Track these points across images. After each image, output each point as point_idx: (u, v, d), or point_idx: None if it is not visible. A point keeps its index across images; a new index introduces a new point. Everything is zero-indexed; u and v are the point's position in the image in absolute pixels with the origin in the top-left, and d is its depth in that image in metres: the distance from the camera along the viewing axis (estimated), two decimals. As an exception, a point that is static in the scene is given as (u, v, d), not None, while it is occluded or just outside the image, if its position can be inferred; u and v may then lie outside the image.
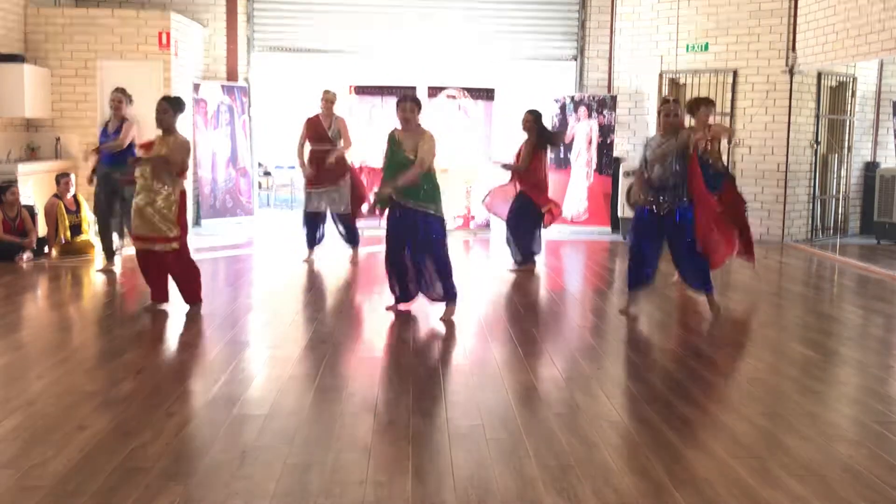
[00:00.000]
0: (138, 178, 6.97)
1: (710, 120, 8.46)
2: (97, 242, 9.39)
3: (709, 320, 7.19)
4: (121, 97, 8.83)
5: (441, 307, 7.10)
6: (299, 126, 9.85)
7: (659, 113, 7.14)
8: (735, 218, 8.30)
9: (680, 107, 7.14)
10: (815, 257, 11.28)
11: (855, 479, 3.94)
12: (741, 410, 4.95)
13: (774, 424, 4.69)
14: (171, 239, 6.93)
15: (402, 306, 7.19)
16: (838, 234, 12.83)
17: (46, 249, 9.86)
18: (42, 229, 10.08)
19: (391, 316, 7.13)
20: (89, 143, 8.96)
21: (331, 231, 10.09)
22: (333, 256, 10.16)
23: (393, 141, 6.99)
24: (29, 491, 3.64)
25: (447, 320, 6.98)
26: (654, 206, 7.01)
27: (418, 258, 6.95)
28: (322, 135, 9.66)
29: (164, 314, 7.09)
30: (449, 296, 7.07)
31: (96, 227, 9.09)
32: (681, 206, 6.98)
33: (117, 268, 8.96)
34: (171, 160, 6.90)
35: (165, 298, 7.14)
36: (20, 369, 5.51)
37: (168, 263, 7.01)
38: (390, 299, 7.27)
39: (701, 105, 8.37)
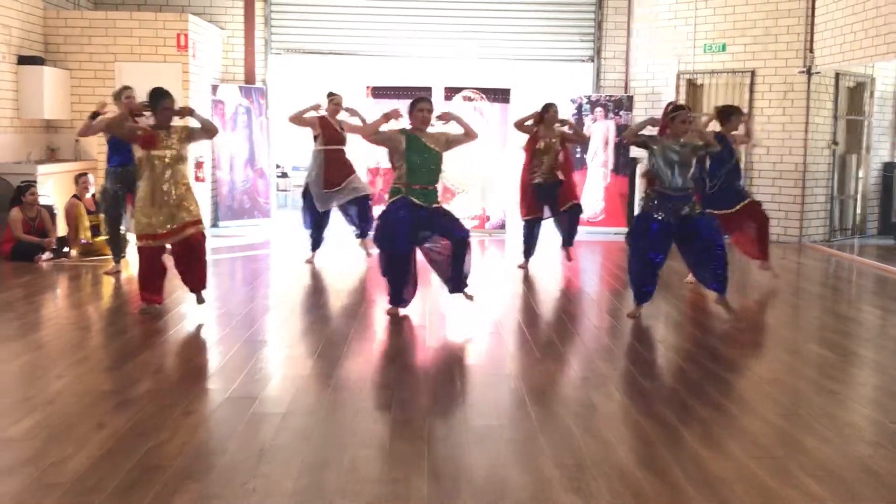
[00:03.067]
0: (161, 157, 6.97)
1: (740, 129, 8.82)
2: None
3: (725, 320, 7.17)
4: (133, 94, 8.76)
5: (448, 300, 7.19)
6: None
7: (673, 119, 7.05)
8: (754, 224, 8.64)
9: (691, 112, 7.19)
10: (833, 258, 11.23)
11: (873, 479, 3.93)
12: (758, 410, 4.93)
13: (792, 424, 4.67)
14: (197, 222, 7.07)
15: (400, 310, 7.16)
16: (856, 235, 12.77)
17: (66, 249, 9.93)
18: (61, 229, 10.16)
19: (407, 316, 7.14)
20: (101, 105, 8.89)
21: (333, 230, 10.17)
22: (348, 256, 10.19)
23: (412, 140, 6.97)
24: (48, 488, 3.67)
25: (471, 296, 7.29)
26: (666, 216, 6.99)
27: (454, 241, 7.05)
28: (335, 136, 9.69)
29: (183, 314, 7.14)
30: (462, 284, 7.27)
31: (105, 226, 9.09)
32: (698, 212, 7.05)
33: (123, 270, 8.99)
34: (196, 131, 7.10)
35: (162, 300, 7.25)
36: (40, 368, 5.55)
37: (198, 250, 7.09)
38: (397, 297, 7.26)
39: (732, 114, 8.61)
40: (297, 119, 9.63)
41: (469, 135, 7.19)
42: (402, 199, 6.92)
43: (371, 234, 9.82)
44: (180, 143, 7.01)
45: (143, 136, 6.90)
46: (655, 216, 6.98)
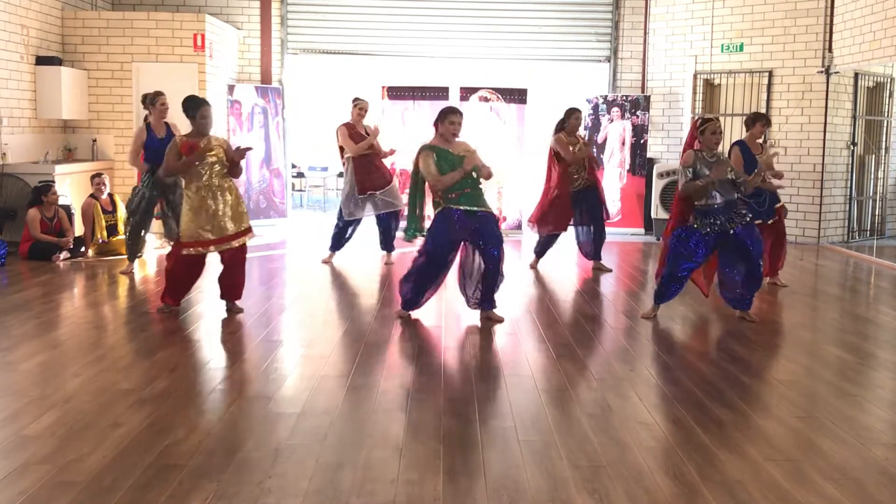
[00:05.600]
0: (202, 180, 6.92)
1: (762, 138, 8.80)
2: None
3: (742, 322, 7.13)
4: (165, 99, 8.81)
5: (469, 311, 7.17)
6: (335, 132, 9.78)
7: (703, 131, 6.99)
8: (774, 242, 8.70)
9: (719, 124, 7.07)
10: (852, 259, 11.16)
11: (892, 482, 3.90)
12: (775, 413, 4.90)
13: (809, 427, 4.64)
14: (249, 230, 7.09)
15: (411, 313, 7.14)
16: (875, 236, 12.68)
17: (83, 249, 9.98)
18: (78, 229, 10.22)
19: (423, 316, 7.14)
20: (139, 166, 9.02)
21: (359, 234, 10.15)
22: (365, 257, 10.20)
23: (439, 152, 6.80)
24: (65, 486, 3.69)
25: (499, 319, 7.04)
26: (710, 230, 6.94)
27: (487, 259, 6.84)
28: (362, 141, 9.65)
29: (199, 313, 7.16)
30: (493, 303, 7.09)
31: (128, 226, 9.08)
32: (744, 224, 6.96)
33: (139, 270, 9.05)
34: (231, 155, 7.01)
35: (179, 302, 7.28)
36: (57, 367, 5.58)
37: (242, 258, 7.11)
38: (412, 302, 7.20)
39: (756, 120, 8.59)
40: (358, 149, 9.61)
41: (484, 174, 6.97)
42: (446, 210, 6.78)
43: (394, 251, 9.87)
44: (220, 151, 6.95)
45: (185, 144, 6.86)
46: (699, 230, 6.96)
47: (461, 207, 6.75)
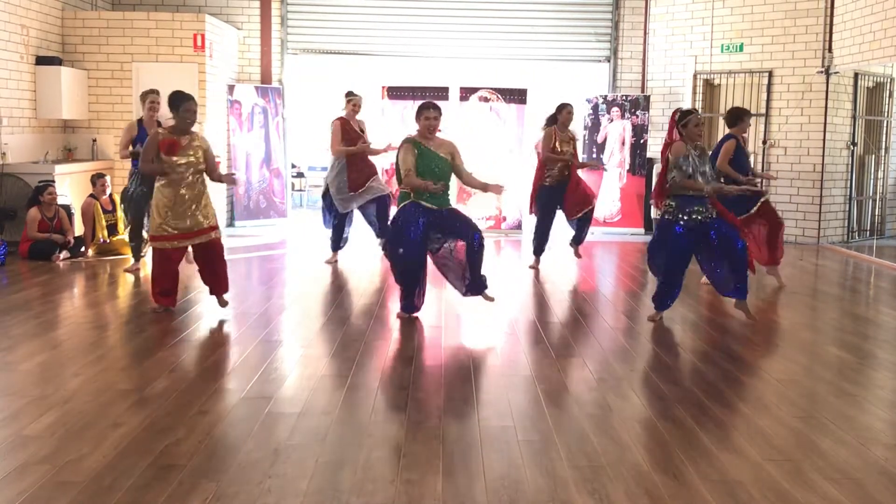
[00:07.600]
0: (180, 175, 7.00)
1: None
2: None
3: (742, 321, 7.13)
4: (159, 99, 8.90)
5: (466, 304, 7.16)
6: (330, 127, 9.80)
7: (686, 124, 6.95)
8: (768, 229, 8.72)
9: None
10: (852, 259, 11.16)
11: (891, 482, 3.90)
12: (775, 413, 4.90)
13: (809, 427, 4.64)
14: (215, 227, 7.12)
15: (409, 314, 7.15)
16: (875, 236, 12.68)
17: (83, 248, 9.99)
18: (78, 229, 10.22)
19: (423, 316, 7.14)
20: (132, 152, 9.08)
21: (355, 230, 10.18)
22: (363, 256, 10.20)
23: (421, 148, 6.88)
24: (65, 486, 3.69)
25: (492, 298, 7.20)
26: (689, 220, 6.92)
27: (469, 247, 6.95)
28: (355, 138, 9.67)
29: (199, 314, 7.16)
30: (482, 286, 7.14)
31: (127, 226, 9.16)
32: (714, 216, 6.95)
33: (143, 269, 9.07)
34: (210, 160, 7.04)
35: (174, 303, 7.28)
36: (57, 367, 5.58)
37: (218, 253, 7.14)
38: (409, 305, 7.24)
39: (743, 116, 8.59)
40: (343, 152, 9.63)
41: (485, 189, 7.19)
42: (412, 204, 6.85)
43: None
44: (199, 152, 7.02)
45: (164, 141, 6.91)
46: (679, 222, 6.94)
47: (426, 204, 6.85)
